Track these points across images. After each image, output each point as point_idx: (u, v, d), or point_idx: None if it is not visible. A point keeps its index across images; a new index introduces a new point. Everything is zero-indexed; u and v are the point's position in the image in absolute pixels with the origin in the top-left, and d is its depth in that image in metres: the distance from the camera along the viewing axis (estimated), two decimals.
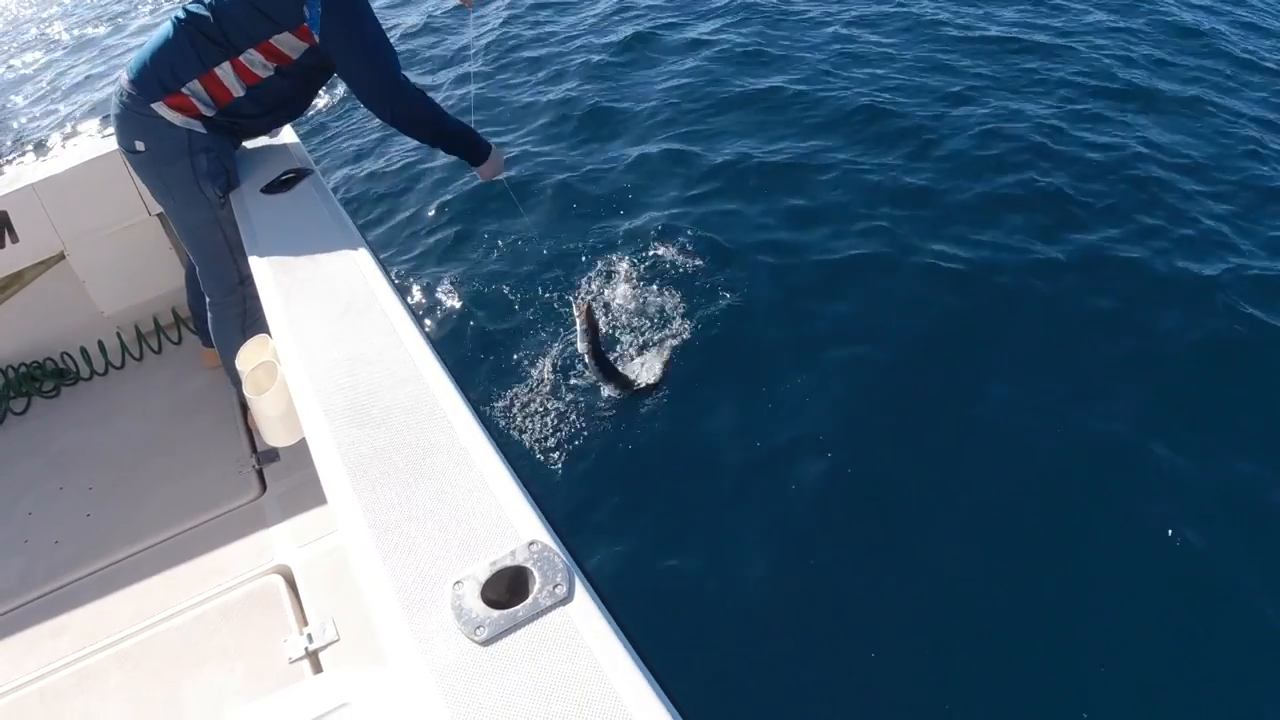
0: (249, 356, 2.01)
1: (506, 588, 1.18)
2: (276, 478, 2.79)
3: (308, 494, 2.65)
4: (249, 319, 2.77)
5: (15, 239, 3.16)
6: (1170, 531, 3.07)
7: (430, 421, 1.50)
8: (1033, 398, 3.63)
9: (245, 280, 2.68)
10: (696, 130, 6.03)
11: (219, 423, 3.06)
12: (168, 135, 2.52)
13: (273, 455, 2.81)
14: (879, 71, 6.52)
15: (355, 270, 2.05)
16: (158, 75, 2.47)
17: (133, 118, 2.52)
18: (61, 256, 3.28)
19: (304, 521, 2.59)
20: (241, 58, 2.50)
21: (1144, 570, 2.99)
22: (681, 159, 5.65)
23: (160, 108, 2.49)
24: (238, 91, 2.53)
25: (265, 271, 2.13)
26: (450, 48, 8.50)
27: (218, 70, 2.50)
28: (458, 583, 1.17)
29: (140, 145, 2.55)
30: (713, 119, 6.16)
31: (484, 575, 1.18)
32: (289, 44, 2.50)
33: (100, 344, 3.44)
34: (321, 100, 8.09)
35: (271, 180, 2.57)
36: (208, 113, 2.53)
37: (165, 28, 2.50)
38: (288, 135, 2.96)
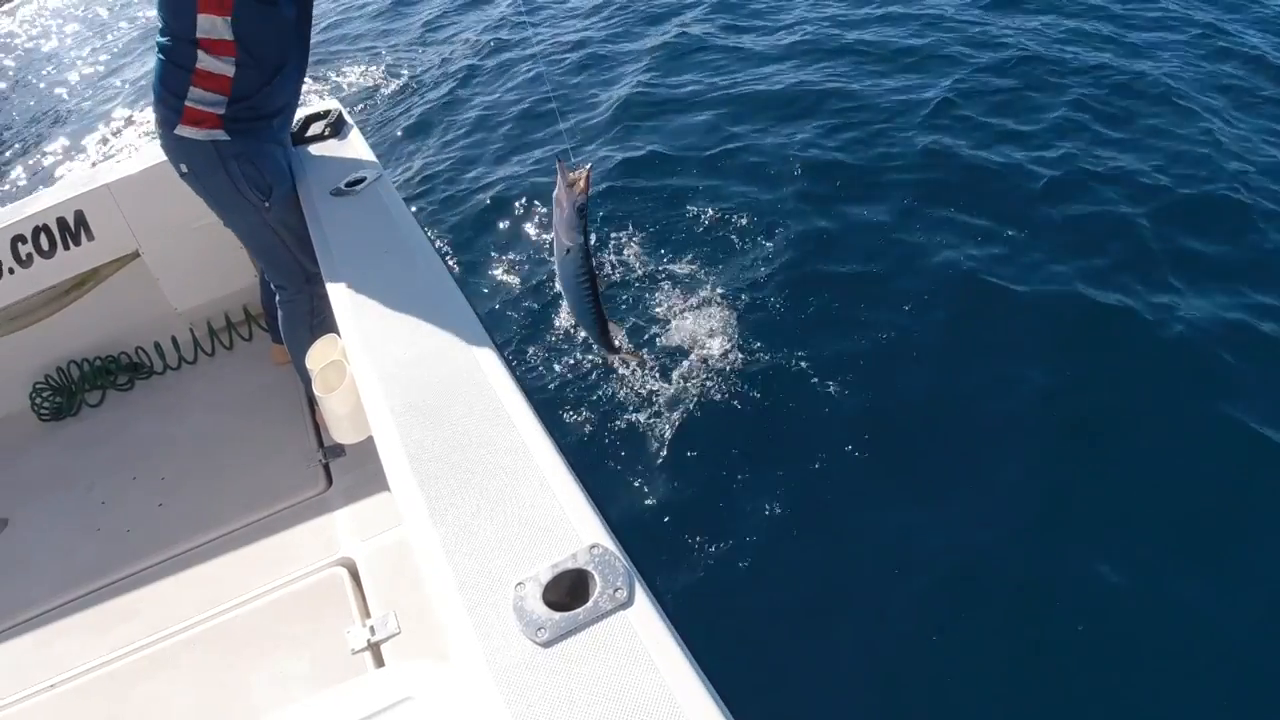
0: (319, 355, 2.07)
1: (567, 590, 1.20)
2: (342, 472, 2.84)
3: (372, 489, 2.71)
4: (317, 317, 2.83)
5: (91, 237, 3.26)
6: None
7: (494, 422, 1.53)
8: None
9: (312, 278, 2.74)
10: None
11: (287, 417, 3.13)
12: (198, 152, 2.59)
13: (338, 450, 2.87)
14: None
15: (420, 271, 2.10)
16: (164, 103, 2.56)
17: (168, 147, 2.64)
18: (136, 254, 3.37)
19: (367, 516, 2.64)
20: (199, 36, 2.46)
21: None
22: None
23: (182, 130, 2.55)
24: (228, 70, 2.50)
25: (334, 272, 2.19)
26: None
27: (198, 64, 2.49)
28: (520, 584, 1.20)
29: (184, 168, 2.65)
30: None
31: (545, 577, 1.20)
32: None
33: (173, 339, 3.54)
34: (385, 94, 8.28)
35: (340, 183, 2.63)
36: (222, 111, 2.55)
37: (154, 61, 2.58)
38: (356, 140, 3.01)
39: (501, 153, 6.51)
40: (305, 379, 2.94)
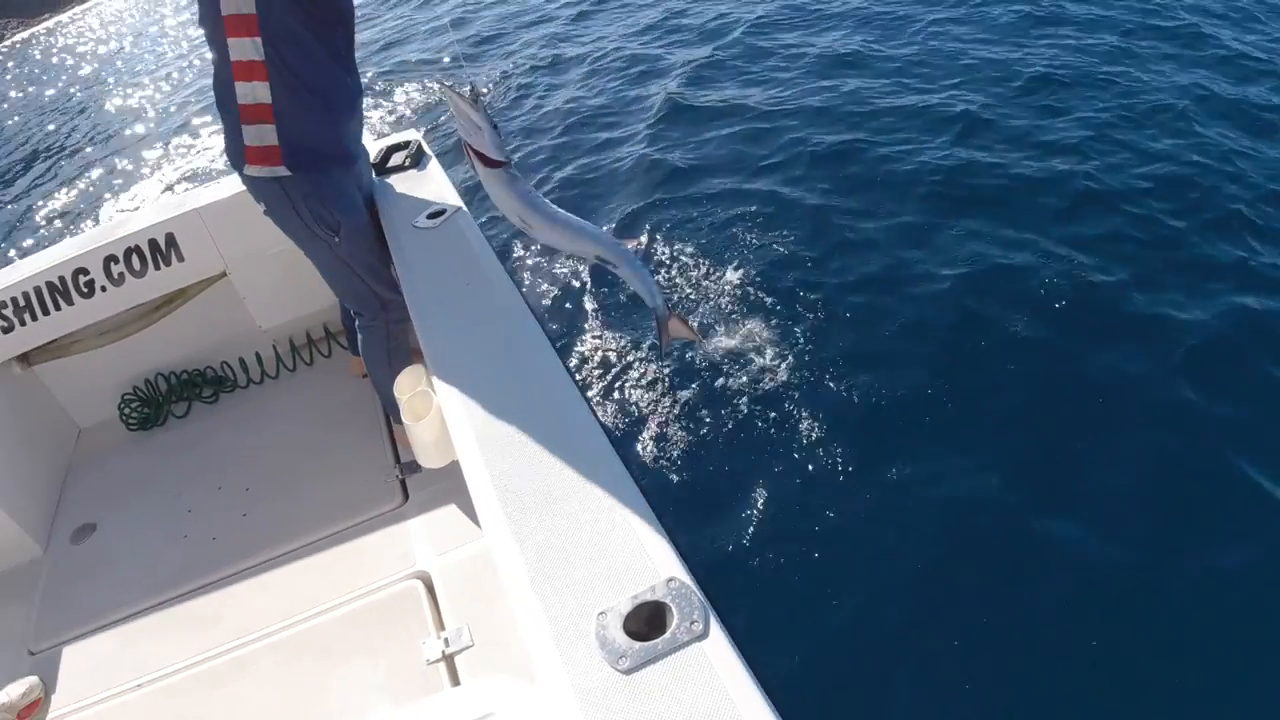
0: (406, 384, 2.16)
1: (645, 621, 1.26)
2: (418, 488, 2.91)
3: (446, 505, 2.78)
4: (393, 341, 2.92)
5: (181, 258, 3.38)
6: None
7: (575, 453, 1.60)
8: None
9: (388, 305, 2.84)
10: None
11: (365, 432, 3.21)
12: (269, 192, 2.64)
13: (414, 466, 2.93)
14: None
15: (501, 304, 2.18)
16: (232, 146, 2.61)
17: (247, 186, 2.70)
18: (224, 275, 3.49)
19: (443, 531, 2.71)
20: (232, 57, 2.45)
21: None
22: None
23: (250, 170, 2.59)
24: (265, 97, 2.49)
25: (419, 304, 2.28)
26: None
27: (239, 100, 2.50)
28: (601, 613, 1.27)
29: (263, 207, 2.71)
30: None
31: (626, 608, 1.27)
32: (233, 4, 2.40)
33: (256, 355, 3.67)
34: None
35: (422, 215, 2.72)
36: (275, 140, 2.53)
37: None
38: (436, 171, 3.10)
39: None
40: (383, 397, 3.06)
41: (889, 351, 4.15)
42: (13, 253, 9.98)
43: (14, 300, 3.28)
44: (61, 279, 3.29)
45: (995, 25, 7.71)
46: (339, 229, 2.69)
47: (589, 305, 4.90)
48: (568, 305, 4.96)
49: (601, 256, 2.25)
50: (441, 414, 1.92)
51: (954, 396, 3.82)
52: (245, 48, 2.42)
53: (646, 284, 2.31)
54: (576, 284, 5.11)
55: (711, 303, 4.68)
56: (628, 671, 1.19)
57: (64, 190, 11.74)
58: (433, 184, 3.00)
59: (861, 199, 5.45)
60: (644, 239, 5.38)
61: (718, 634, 1.22)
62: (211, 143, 11.04)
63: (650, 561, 1.34)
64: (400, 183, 3.05)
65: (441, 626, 2.40)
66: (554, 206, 2.22)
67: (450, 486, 2.68)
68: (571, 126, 7.68)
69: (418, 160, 3.16)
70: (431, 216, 2.70)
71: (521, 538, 1.45)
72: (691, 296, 4.78)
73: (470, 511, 2.63)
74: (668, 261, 5.14)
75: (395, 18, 14.39)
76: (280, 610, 2.59)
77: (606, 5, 11.40)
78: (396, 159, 3.17)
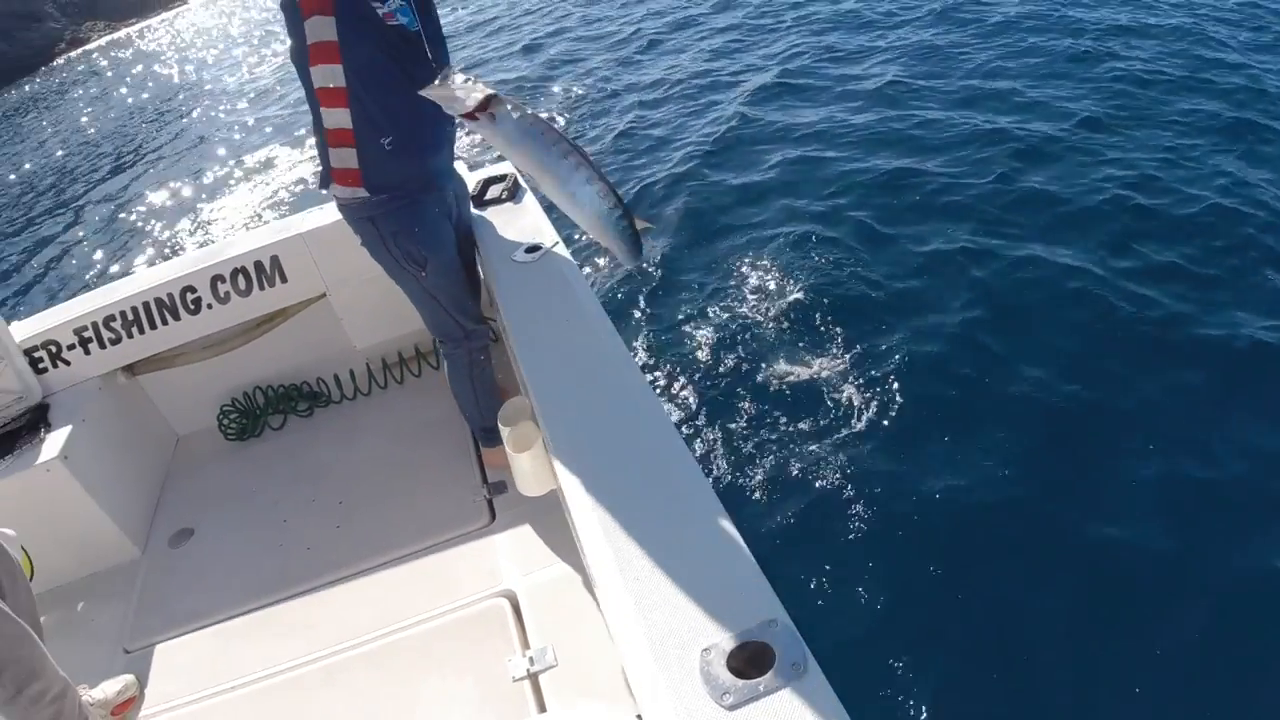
0: (511, 414, 2.23)
1: (747, 659, 1.32)
2: (504, 508, 2.96)
3: (532, 526, 2.82)
4: (476, 370, 2.99)
5: (285, 279, 3.52)
6: None
7: (674, 490, 1.67)
8: None
9: (470, 334, 2.91)
10: None
11: (453, 451, 3.28)
12: (356, 218, 2.71)
13: (501, 487, 3.00)
14: None
15: (598, 339, 2.25)
16: (321, 163, 2.68)
17: (345, 220, 2.77)
18: (323, 296, 3.62)
19: (528, 551, 2.75)
20: (316, 84, 2.48)
21: None
22: None
23: (335, 190, 2.65)
24: (346, 123, 2.51)
25: (521, 337, 2.36)
26: None
27: (325, 122, 2.54)
28: (706, 650, 1.33)
29: (359, 240, 2.78)
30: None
31: (729, 646, 1.33)
32: (318, 29, 2.39)
33: (351, 372, 3.79)
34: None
35: (520, 249, 2.80)
36: (355, 164, 2.56)
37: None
38: (531, 204, 3.18)
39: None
40: (468, 421, 3.13)
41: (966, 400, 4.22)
42: (98, 254, 10.39)
43: (123, 314, 3.45)
44: (170, 295, 3.46)
45: (1049, 63, 7.85)
46: (425, 264, 2.75)
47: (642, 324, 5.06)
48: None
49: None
50: (546, 446, 2.00)
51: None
52: (327, 75, 2.45)
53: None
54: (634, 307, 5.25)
55: (769, 325, 4.81)
56: (731, 708, 1.25)
57: (140, 202, 12.20)
58: (529, 217, 3.09)
59: (914, 223, 5.63)
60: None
61: (817, 675, 1.27)
62: (292, 161, 11.40)
63: (752, 601, 1.40)
64: (497, 215, 3.15)
65: (526, 645, 2.43)
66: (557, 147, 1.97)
67: (535, 508, 2.73)
68: (635, 145, 7.99)
69: (514, 193, 3.26)
70: (529, 251, 2.80)
71: (627, 570, 1.51)
72: (748, 315, 4.91)
73: (555, 534, 2.68)
74: (729, 283, 5.27)
75: (464, 44, 14.72)
76: (371, 621, 2.66)
77: (675, 34, 11.62)
78: (494, 191, 3.27)
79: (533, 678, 2.30)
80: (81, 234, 11.84)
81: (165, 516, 3.48)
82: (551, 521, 2.66)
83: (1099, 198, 5.48)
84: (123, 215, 11.82)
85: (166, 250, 9.73)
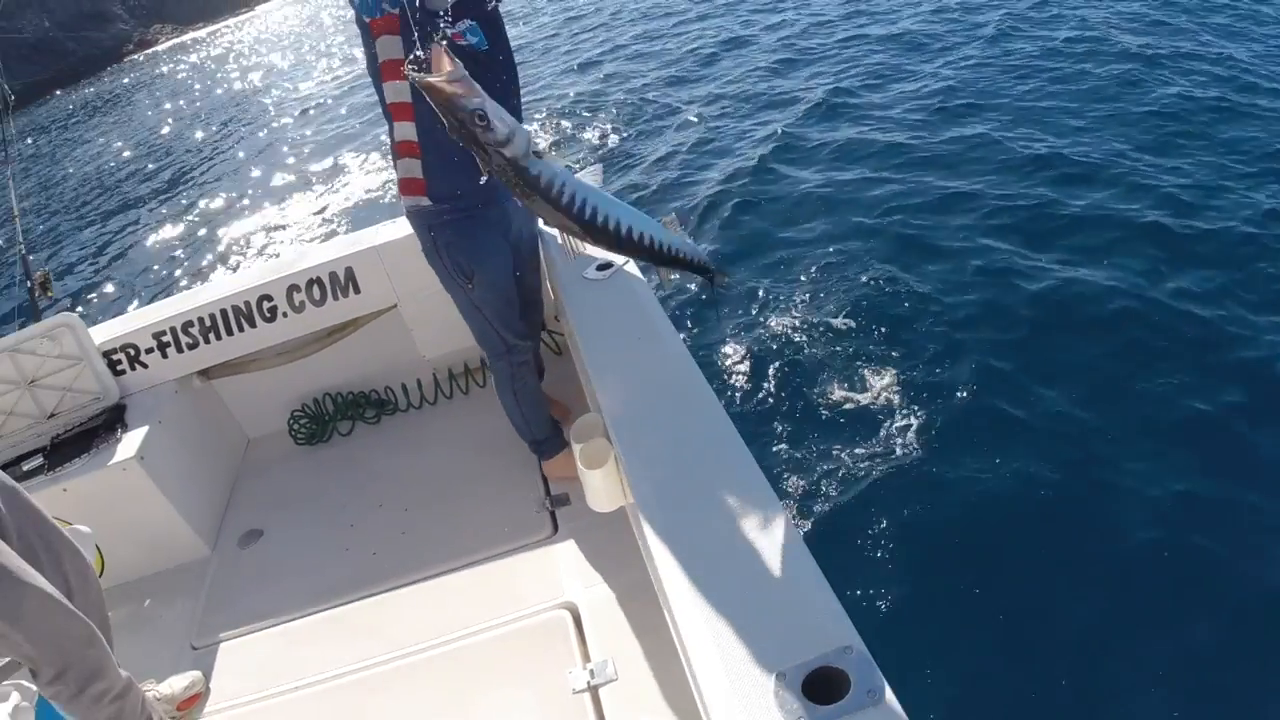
0: (583, 431, 2.24)
1: (821, 686, 1.33)
2: (566, 520, 2.97)
3: (594, 539, 2.83)
4: (518, 383, 3.04)
5: (358, 290, 3.59)
6: None
7: (747, 511, 1.68)
8: None
9: (512, 349, 2.96)
10: None
11: (517, 462, 3.29)
12: (417, 225, 2.78)
13: (564, 499, 3.03)
14: None
15: (669, 358, 2.27)
16: (397, 176, 2.72)
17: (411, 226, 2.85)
18: (394, 307, 3.68)
19: (589, 564, 2.76)
20: (387, 99, 2.54)
21: None
22: None
23: (402, 198, 2.72)
24: (413, 135, 2.58)
25: (593, 354, 2.39)
26: None
27: (396, 134, 2.60)
28: (780, 674, 1.34)
29: (422, 249, 2.85)
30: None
31: (805, 671, 1.34)
32: (387, 47, 2.45)
33: (418, 381, 3.86)
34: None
35: (591, 267, 2.84)
36: (420, 174, 2.63)
37: None
38: None
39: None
40: (520, 433, 3.15)
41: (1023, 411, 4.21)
42: (170, 258, 10.64)
43: (200, 320, 3.57)
44: (247, 303, 3.56)
45: (1099, 88, 7.83)
46: (473, 277, 2.80)
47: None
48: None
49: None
50: (618, 463, 2.04)
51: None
52: (397, 90, 2.50)
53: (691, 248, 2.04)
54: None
55: (817, 341, 4.86)
56: None
57: (207, 207, 12.52)
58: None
59: (961, 241, 5.69)
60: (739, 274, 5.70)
61: (892, 704, 1.28)
62: (362, 171, 11.63)
63: (827, 627, 1.41)
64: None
65: (587, 658, 2.44)
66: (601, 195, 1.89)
67: (597, 521, 2.71)
68: (686, 160, 8.10)
69: None
70: (600, 269, 2.84)
71: (700, 591, 1.52)
72: (796, 331, 4.97)
73: (617, 548, 2.68)
74: (778, 298, 5.33)
75: (523, 60, 14.93)
76: (434, 627, 2.69)
77: (729, 50, 11.69)
78: None
79: (593, 690, 2.30)
80: (152, 239, 12.16)
81: (235, 517, 3.57)
82: (613, 535, 2.66)
83: (1143, 221, 5.50)
84: (190, 219, 12.15)
85: (235, 257, 9.97)
